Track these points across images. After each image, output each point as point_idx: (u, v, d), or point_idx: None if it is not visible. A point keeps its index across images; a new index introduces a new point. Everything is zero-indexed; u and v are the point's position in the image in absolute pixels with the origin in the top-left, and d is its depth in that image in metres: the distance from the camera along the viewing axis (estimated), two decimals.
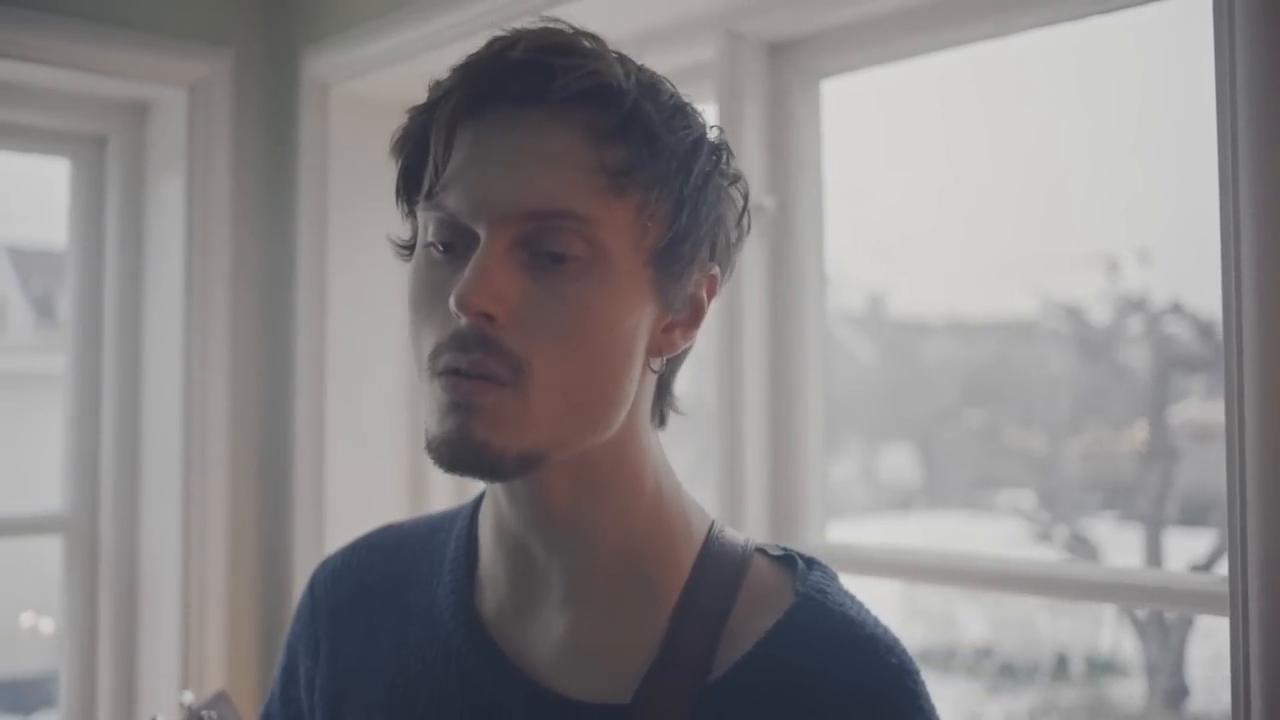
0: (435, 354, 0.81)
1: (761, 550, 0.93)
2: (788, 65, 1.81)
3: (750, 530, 1.75)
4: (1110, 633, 5.54)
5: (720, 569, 0.89)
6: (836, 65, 1.79)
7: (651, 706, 0.83)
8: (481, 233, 0.80)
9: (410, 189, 0.87)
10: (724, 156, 0.88)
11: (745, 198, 0.91)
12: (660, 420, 0.95)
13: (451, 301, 0.78)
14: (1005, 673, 5.63)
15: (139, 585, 2.32)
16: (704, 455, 1.79)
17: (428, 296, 0.83)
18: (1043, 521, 5.51)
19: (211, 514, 2.20)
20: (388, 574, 1.01)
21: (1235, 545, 1.12)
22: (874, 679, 0.82)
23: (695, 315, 0.89)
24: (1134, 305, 5.15)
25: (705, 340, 1.79)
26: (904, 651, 0.86)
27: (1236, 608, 1.12)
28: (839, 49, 1.76)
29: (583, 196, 0.80)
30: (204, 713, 1.15)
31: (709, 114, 1.76)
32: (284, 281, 2.27)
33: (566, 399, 0.81)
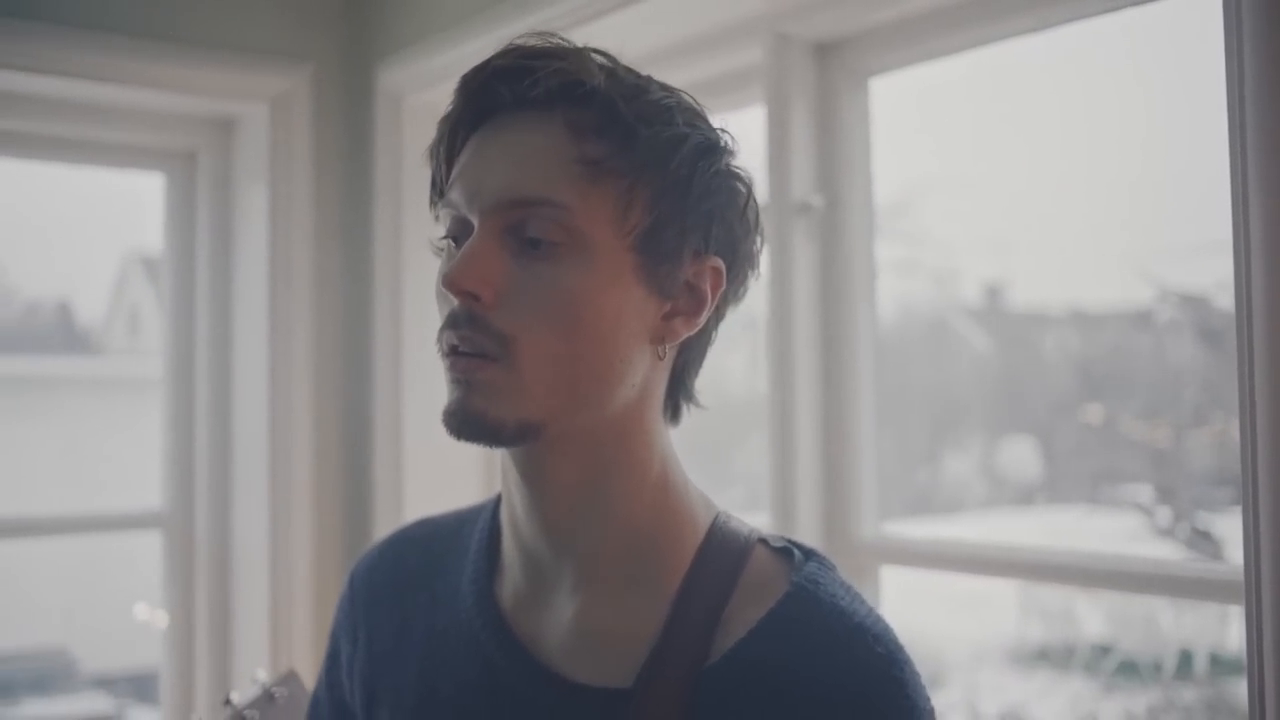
0: (439, 334, 0.89)
1: (764, 541, 0.96)
2: (835, 65, 1.82)
3: (802, 526, 1.77)
4: (1237, 630, 5.38)
5: (721, 559, 0.93)
6: (884, 63, 1.80)
7: (651, 690, 0.87)
8: (474, 222, 0.88)
9: (434, 192, 0.96)
10: (720, 153, 0.92)
11: (749, 195, 0.95)
12: (673, 413, 0.98)
13: (440, 281, 0.87)
14: (1125, 671, 5.49)
15: (232, 578, 2.43)
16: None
17: (439, 285, 0.90)
18: (1164, 517, 5.37)
19: (296, 508, 2.30)
20: (419, 565, 1.07)
21: (1249, 532, 1.11)
22: (860, 668, 0.85)
23: (697, 305, 0.93)
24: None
25: (758, 337, 1.81)
26: (893, 641, 0.88)
27: (1251, 596, 1.11)
28: (886, 47, 1.77)
29: (560, 185, 0.87)
30: (276, 689, 1.23)
31: (755, 116, 1.79)
32: (362, 284, 2.36)
33: (555, 372, 0.87)
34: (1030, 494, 6.70)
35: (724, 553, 0.93)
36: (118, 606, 2.95)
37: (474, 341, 0.86)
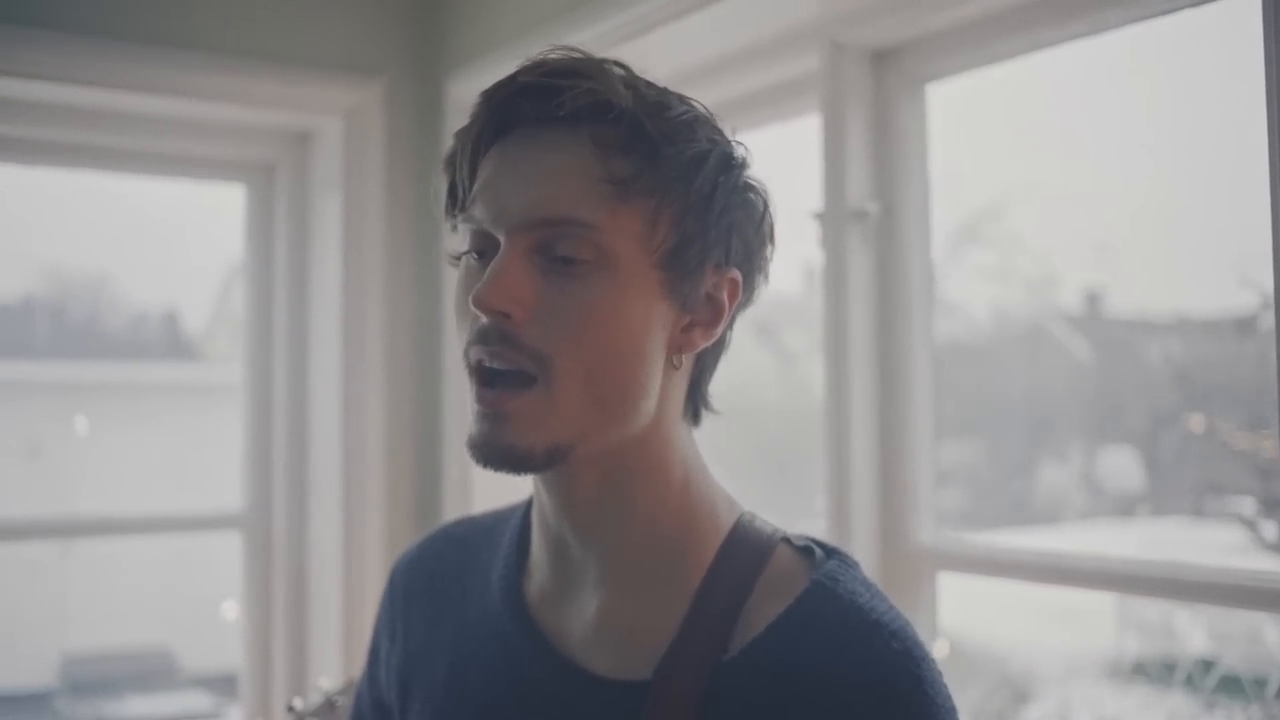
0: (465, 350, 0.91)
1: (787, 540, 0.97)
2: (891, 72, 1.82)
3: (858, 533, 1.77)
4: None
5: (743, 557, 0.94)
6: (941, 69, 1.79)
7: (669, 683, 0.89)
8: (501, 239, 0.89)
9: (453, 204, 0.97)
10: (739, 166, 0.94)
11: (764, 207, 0.96)
12: (694, 417, 1.00)
13: (470, 300, 0.88)
14: (1227, 687, 5.34)
15: (307, 578, 2.49)
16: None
17: (464, 299, 0.92)
18: (1269, 530, 5.22)
19: (370, 509, 2.35)
20: (454, 562, 1.11)
21: None
22: (876, 664, 0.85)
23: (715, 316, 0.95)
24: None
25: (814, 345, 1.81)
26: (911, 638, 0.88)
27: None
28: (943, 52, 1.76)
29: (589, 204, 0.88)
30: (338, 698, 1.27)
31: (811, 124, 1.79)
32: (432, 291, 2.41)
33: (587, 391, 0.88)
34: (1131, 505, 6.54)
35: (745, 551, 0.95)
36: (217, 606, 3.03)
37: (507, 358, 0.88)
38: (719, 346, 0.99)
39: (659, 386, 0.93)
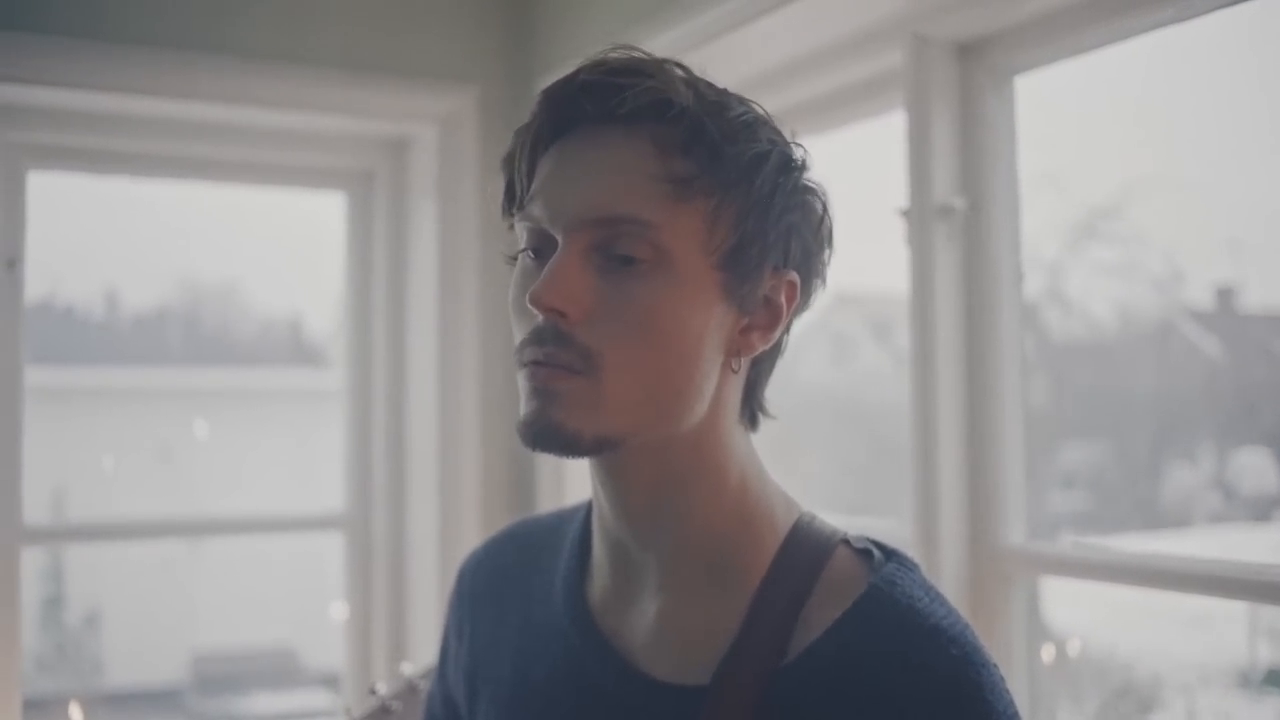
0: (520, 348, 0.91)
1: (846, 542, 0.96)
2: (977, 64, 1.79)
3: (944, 536, 1.74)
4: None
5: (801, 559, 0.94)
6: (1028, 61, 1.76)
7: (727, 688, 0.89)
8: (559, 238, 0.89)
9: (511, 203, 0.97)
10: (799, 168, 0.94)
11: (825, 208, 0.96)
12: (751, 420, 1.00)
13: (526, 298, 0.88)
14: None
15: (406, 577, 2.54)
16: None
17: (519, 297, 0.93)
18: None
19: (466, 511, 2.38)
20: (519, 562, 1.11)
21: None
22: (934, 668, 0.84)
23: (773, 319, 0.94)
24: None
25: (901, 344, 1.78)
26: (970, 643, 0.87)
27: None
28: (1029, 44, 1.73)
29: (648, 203, 0.87)
30: (392, 703, 1.30)
31: (895, 120, 1.77)
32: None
33: (639, 387, 0.88)
34: (1266, 509, 6.31)
35: (804, 553, 0.94)
36: (330, 605, 3.11)
37: (558, 357, 0.87)
38: (775, 350, 0.98)
39: (714, 388, 0.92)
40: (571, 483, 2.32)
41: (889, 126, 2.02)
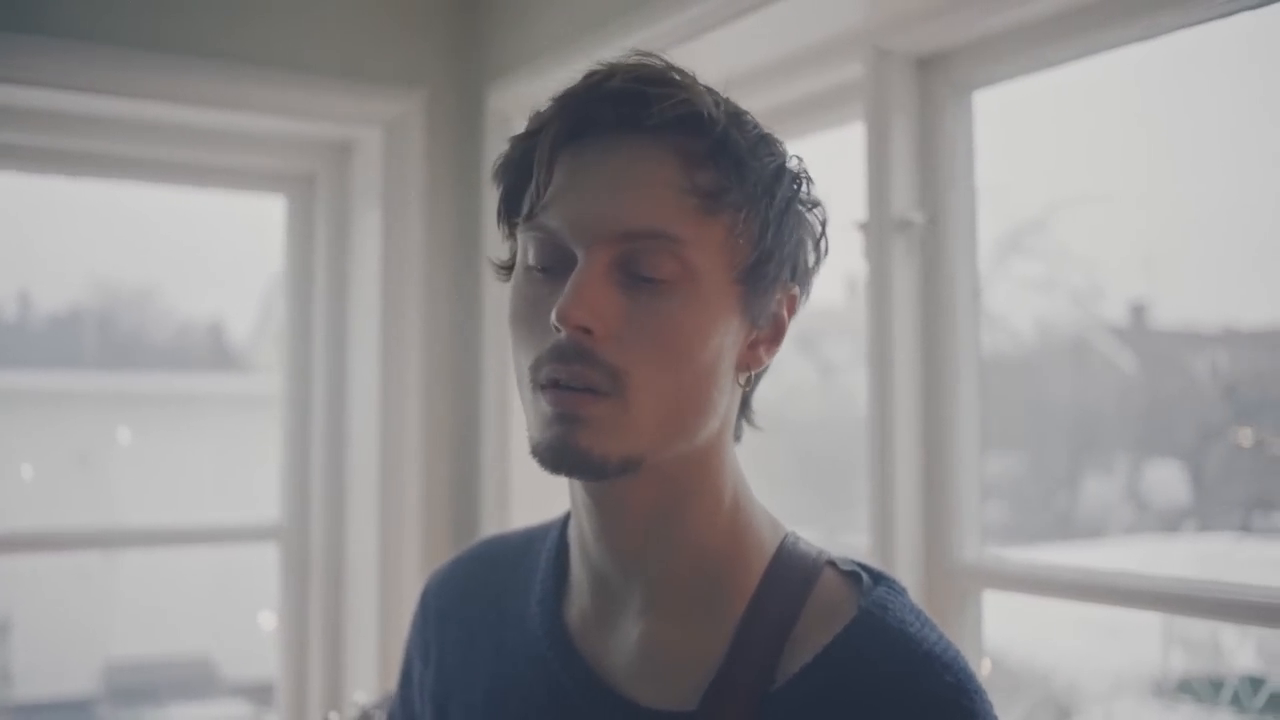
0: (536, 366, 0.87)
1: (832, 564, 0.94)
2: (937, 78, 1.79)
3: (901, 551, 1.74)
4: None
5: (788, 582, 0.92)
6: (987, 76, 1.76)
7: (715, 713, 0.86)
8: (580, 253, 0.86)
9: (511, 212, 0.93)
10: (804, 183, 0.92)
11: (823, 223, 0.95)
12: (738, 434, 0.98)
13: (552, 315, 0.84)
14: (1276, 705, 5.26)
15: (344, 590, 2.49)
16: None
17: (528, 312, 0.89)
18: None
19: (407, 523, 2.34)
20: (489, 583, 1.08)
21: None
22: (927, 696, 0.83)
23: (777, 333, 0.93)
24: None
25: (857, 357, 1.78)
26: (963, 670, 0.86)
27: None
28: (989, 59, 1.73)
29: (675, 217, 0.85)
30: (374, 712, 1.26)
31: (855, 133, 1.77)
32: (472, 303, 2.40)
33: (664, 406, 0.86)
34: (1177, 520, 6.46)
35: (791, 575, 0.92)
36: (257, 616, 3.05)
37: (585, 377, 0.84)
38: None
39: (726, 404, 0.91)
40: (518, 494, 2.29)
41: (839, 139, 2.02)
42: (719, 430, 0.92)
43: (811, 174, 0.94)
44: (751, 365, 0.92)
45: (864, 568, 0.94)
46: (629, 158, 0.86)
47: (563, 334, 0.84)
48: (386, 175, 2.36)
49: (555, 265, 0.88)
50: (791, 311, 0.93)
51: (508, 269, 0.96)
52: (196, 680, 5.28)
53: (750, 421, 0.99)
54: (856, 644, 0.86)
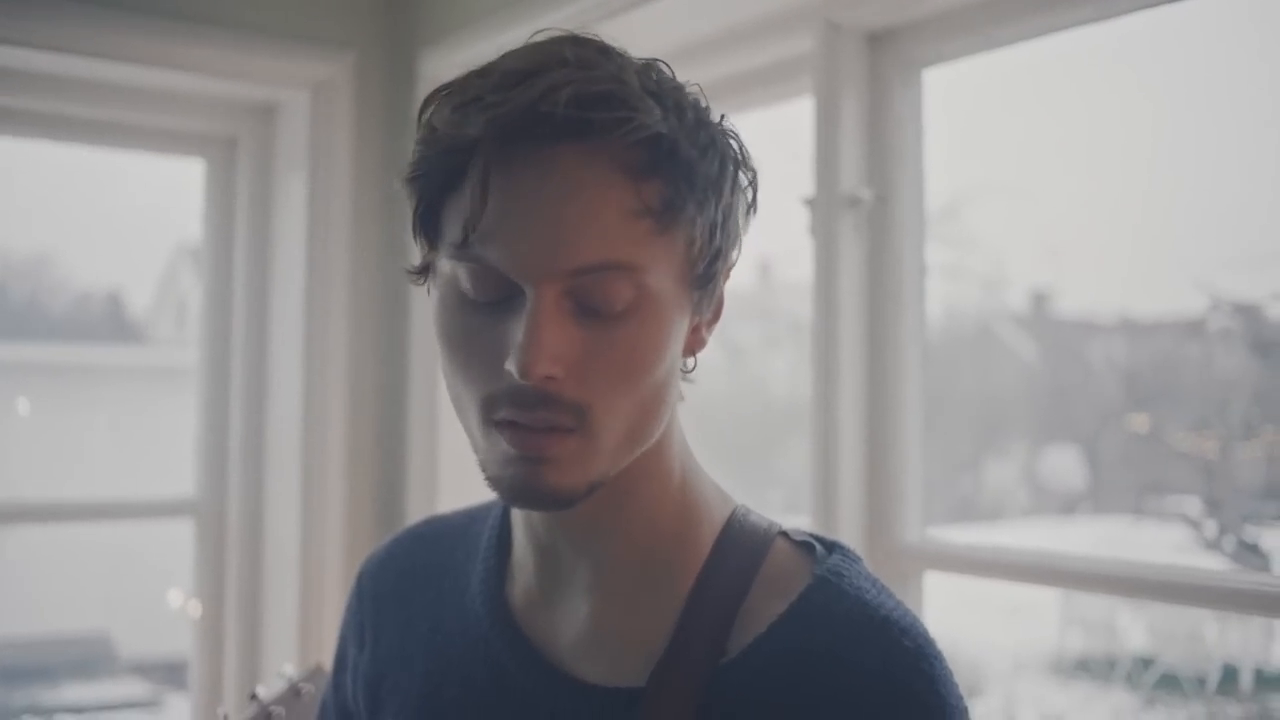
0: (489, 404, 0.81)
1: (785, 534, 0.93)
2: (888, 55, 1.78)
3: (844, 530, 1.73)
4: None
5: (739, 553, 0.90)
6: (938, 53, 1.76)
7: (664, 689, 0.84)
8: (529, 290, 0.80)
9: (430, 228, 0.85)
10: (742, 152, 0.88)
11: (755, 187, 0.90)
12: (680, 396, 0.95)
13: (513, 368, 0.78)
14: (1167, 684, 5.42)
15: (263, 567, 2.42)
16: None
17: (467, 341, 0.83)
18: (1211, 529, 5.29)
19: (330, 499, 2.29)
20: (427, 563, 1.04)
21: None
22: (888, 662, 0.81)
23: (719, 308, 0.91)
24: None
25: (802, 341, 1.76)
26: (922, 635, 0.84)
27: None
28: (941, 36, 1.73)
29: (627, 245, 0.80)
30: (302, 685, 1.20)
31: (802, 108, 1.74)
32: (399, 272, 2.34)
33: (626, 426, 0.83)
34: (1074, 504, 6.63)
35: (741, 547, 0.90)
36: (159, 593, 2.95)
37: (549, 420, 0.80)
38: None
39: (675, 394, 0.89)
40: (445, 469, 2.24)
41: (786, 114, 2.00)
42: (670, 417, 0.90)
43: (740, 135, 0.88)
44: (696, 348, 0.90)
45: (817, 538, 0.92)
46: (572, 179, 0.79)
47: (515, 377, 0.79)
48: (313, 140, 2.29)
49: (496, 297, 0.82)
50: (728, 279, 0.90)
51: (422, 273, 0.89)
52: (93, 659, 5.15)
53: (686, 379, 0.94)
54: (812, 612, 0.84)
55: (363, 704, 1.02)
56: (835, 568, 0.87)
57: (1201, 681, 5.17)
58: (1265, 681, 5.17)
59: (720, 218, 0.85)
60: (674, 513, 0.91)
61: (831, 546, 0.91)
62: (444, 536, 1.06)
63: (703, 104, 0.86)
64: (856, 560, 0.90)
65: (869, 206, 1.76)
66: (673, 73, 0.86)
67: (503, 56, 0.83)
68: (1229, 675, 5.17)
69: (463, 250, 0.81)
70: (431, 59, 2.27)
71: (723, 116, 0.88)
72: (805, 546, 0.91)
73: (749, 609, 0.86)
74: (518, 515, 0.95)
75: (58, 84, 2.24)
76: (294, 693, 1.19)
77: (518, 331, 0.79)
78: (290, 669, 1.23)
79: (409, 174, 0.85)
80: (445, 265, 0.84)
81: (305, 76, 2.28)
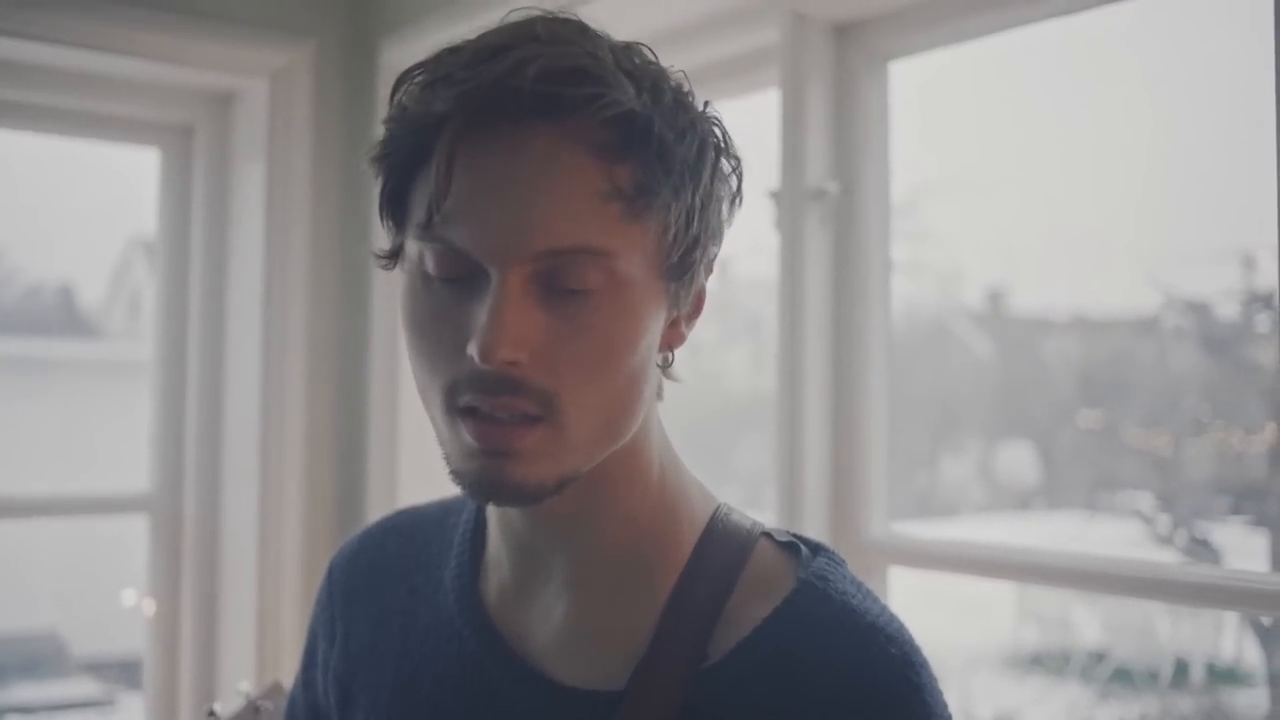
0: (451, 391, 0.79)
1: (768, 535, 0.91)
2: (854, 47, 1.77)
3: (809, 524, 1.72)
4: (1233, 640, 5.36)
5: (721, 554, 0.88)
6: (905, 46, 1.76)
7: (644, 692, 0.82)
8: (494, 273, 0.77)
9: (396, 210, 0.84)
10: (725, 140, 0.86)
11: (739, 176, 0.88)
12: (659, 394, 0.93)
13: (474, 352, 0.76)
14: (1120, 678, 5.48)
15: (219, 564, 2.39)
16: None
17: (432, 325, 0.81)
18: (1164, 524, 5.35)
19: (288, 494, 2.26)
20: (400, 557, 1.02)
21: None
22: (873, 669, 0.80)
23: (698, 304, 0.89)
24: (1263, 302, 4.95)
25: (760, 335, 1.75)
26: (908, 642, 0.83)
27: None
28: (907, 29, 1.73)
29: (598, 229, 0.78)
30: (261, 702, 1.18)
31: (767, 100, 1.73)
32: (359, 265, 2.31)
33: (598, 419, 0.81)
34: (1028, 499, 6.68)
35: (724, 548, 0.88)
36: (111, 591, 2.90)
37: (514, 407, 0.78)
38: None
39: (652, 390, 0.87)
40: (405, 463, 2.22)
41: (752, 106, 1.99)
42: (646, 412, 0.87)
43: (724, 123, 0.86)
44: (674, 343, 0.88)
45: (801, 539, 0.91)
46: (542, 158, 0.77)
47: (478, 362, 0.77)
48: (271, 129, 2.26)
49: (461, 276, 0.80)
50: (709, 274, 0.88)
51: (390, 257, 0.87)
52: (44, 658, 5.08)
53: (670, 376, 0.93)
54: (797, 616, 0.83)
55: (333, 700, 1.00)
56: (820, 571, 0.86)
57: (1154, 675, 5.23)
58: (1216, 675, 5.23)
59: (699, 204, 0.82)
60: (653, 510, 0.89)
61: (816, 549, 0.89)
62: (417, 529, 1.04)
63: (685, 88, 0.84)
64: (841, 564, 0.89)
65: (835, 199, 1.75)
66: (656, 57, 0.84)
67: (479, 35, 0.81)
68: (1181, 669, 5.23)
69: (427, 230, 0.79)
70: (392, 47, 2.24)
71: (707, 103, 0.86)
72: (789, 548, 0.90)
73: (732, 612, 0.85)
74: (493, 509, 0.93)
75: (7, 70, 2.20)
76: (252, 710, 1.16)
77: (482, 315, 0.77)
78: (248, 686, 1.21)
79: (377, 153, 0.83)
80: (412, 248, 0.82)
81: (264, 64, 2.25)
